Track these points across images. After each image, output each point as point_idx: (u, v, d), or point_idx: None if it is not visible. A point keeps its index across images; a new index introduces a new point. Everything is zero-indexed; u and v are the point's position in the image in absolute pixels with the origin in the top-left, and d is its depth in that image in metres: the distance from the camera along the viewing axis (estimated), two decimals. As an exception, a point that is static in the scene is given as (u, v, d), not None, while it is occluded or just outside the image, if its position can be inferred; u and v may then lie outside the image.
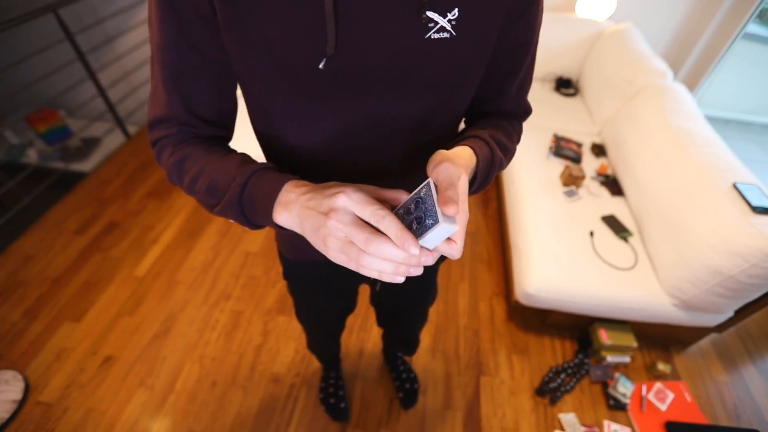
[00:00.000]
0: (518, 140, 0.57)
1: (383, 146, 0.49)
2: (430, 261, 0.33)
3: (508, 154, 0.53)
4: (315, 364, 1.41)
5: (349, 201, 0.33)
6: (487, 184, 0.49)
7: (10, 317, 1.50)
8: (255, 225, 0.42)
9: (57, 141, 2.26)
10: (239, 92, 0.48)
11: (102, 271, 1.68)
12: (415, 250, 0.31)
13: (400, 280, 0.34)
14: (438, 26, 0.40)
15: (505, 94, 0.53)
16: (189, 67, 0.43)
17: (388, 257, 0.32)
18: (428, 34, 0.40)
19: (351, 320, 1.54)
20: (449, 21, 0.40)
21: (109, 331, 1.47)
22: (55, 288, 1.60)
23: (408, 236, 0.31)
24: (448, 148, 0.45)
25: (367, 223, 0.33)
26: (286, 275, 0.79)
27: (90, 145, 2.31)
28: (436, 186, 0.37)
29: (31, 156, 2.23)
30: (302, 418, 1.28)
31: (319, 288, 0.80)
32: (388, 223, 0.31)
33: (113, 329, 1.48)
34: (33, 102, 2.42)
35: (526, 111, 0.58)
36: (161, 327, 1.49)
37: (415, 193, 0.38)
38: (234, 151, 0.47)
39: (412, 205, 0.37)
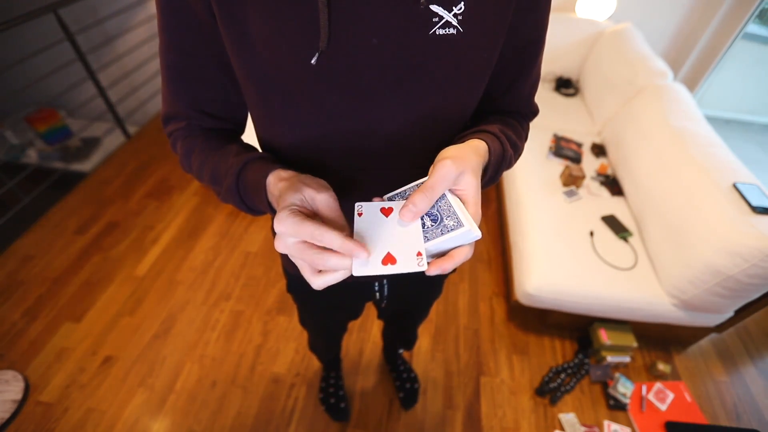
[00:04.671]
0: (525, 139, 0.55)
1: (385, 153, 0.46)
2: (437, 270, 0.35)
3: (517, 152, 0.51)
4: (315, 364, 1.41)
5: (285, 228, 0.33)
6: (494, 181, 0.48)
7: (10, 317, 1.50)
8: (256, 211, 0.44)
9: (57, 141, 2.26)
10: None
11: (102, 271, 1.68)
12: (363, 254, 0.32)
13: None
14: (443, 21, 0.37)
15: (514, 94, 0.51)
16: (190, 67, 0.43)
17: (336, 267, 0.33)
18: (432, 30, 0.37)
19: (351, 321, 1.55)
20: (455, 15, 0.37)
21: (109, 331, 1.47)
22: (55, 288, 1.60)
23: (352, 246, 0.32)
24: (460, 141, 0.43)
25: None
26: (290, 289, 0.78)
27: (90, 145, 2.31)
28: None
29: (31, 156, 2.23)
30: (302, 418, 1.28)
31: (324, 303, 0.80)
32: (330, 239, 0.32)
33: (113, 329, 1.48)
34: (33, 102, 2.42)
35: (534, 112, 0.56)
36: (161, 327, 1.49)
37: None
38: (235, 141, 0.48)
39: None
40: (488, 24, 0.39)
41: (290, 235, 0.33)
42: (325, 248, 0.33)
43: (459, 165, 0.37)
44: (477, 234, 0.35)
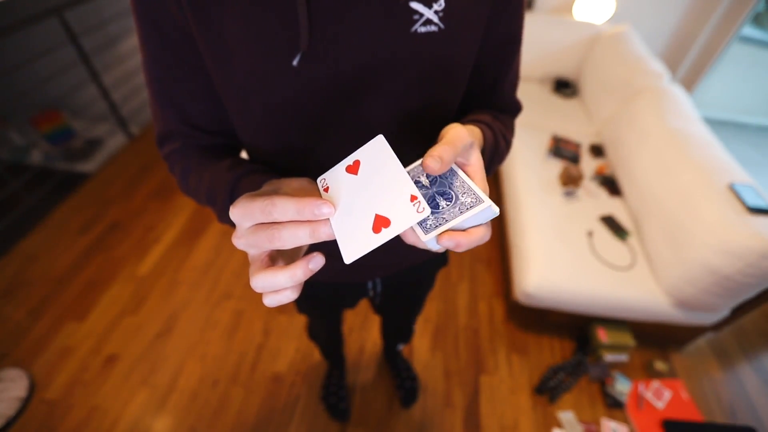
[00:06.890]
0: (512, 135, 0.56)
1: None
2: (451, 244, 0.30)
3: (508, 146, 0.52)
4: (316, 362, 1.42)
5: (236, 210, 0.30)
6: (487, 174, 0.47)
7: (15, 316, 1.51)
8: None
9: (61, 142, 2.27)
10: None
11: (105, 271, 1.69)
12: (327, 209, 0.28)
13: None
14: (424, 18, 0.37)
15: (497, 91, 0.52)
16: (177, 80, 0.42)
17: (289, 239, 0.29)
18: (413, 28, 0.37)
19: (351, 319, 1.56)
20: (436, 12, 0.37)
21: (112, 330, 1.49)
22: (59, 288, 1.62)
23: (307, 202, 0.28)
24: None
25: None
26: None
27: (93, 145, 2.33)
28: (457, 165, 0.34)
29: (36, 157, 2.25)
30: (303, 417, 1.29)
31: (320, 303, 0.81)
32: (282, 203, 0.28)
33: (116, 328, 1.50)
34: (37, 103, 2.44)
35: (518, 108, 0.56)
36: (163, 326, 1.51)
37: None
38: (229, 156, 0.47)
39: (423, 178, 0.34)
40: (468, 20, 0.40)
41: (242, 218, 0.30)
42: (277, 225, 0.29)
43: (469, 133, 0.35)
44: (496, 210, 0.31)
